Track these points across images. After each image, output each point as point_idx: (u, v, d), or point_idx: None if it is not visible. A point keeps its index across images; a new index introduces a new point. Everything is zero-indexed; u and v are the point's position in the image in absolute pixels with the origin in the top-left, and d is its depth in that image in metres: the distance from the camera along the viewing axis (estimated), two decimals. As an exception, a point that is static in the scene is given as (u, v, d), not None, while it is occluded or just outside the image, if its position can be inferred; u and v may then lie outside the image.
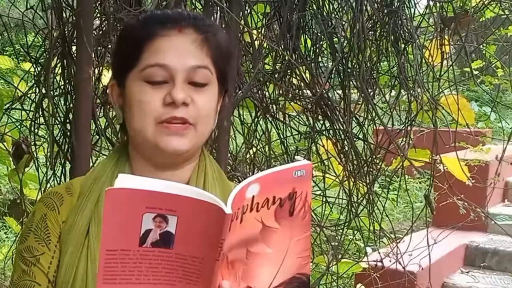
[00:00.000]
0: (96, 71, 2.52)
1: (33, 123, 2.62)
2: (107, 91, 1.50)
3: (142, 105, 1.35)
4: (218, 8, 2.54)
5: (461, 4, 3.18)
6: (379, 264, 3.54)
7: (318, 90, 2.91)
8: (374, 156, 3.18)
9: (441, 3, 3.08)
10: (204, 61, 1.37)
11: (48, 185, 2.65)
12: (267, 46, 2.89)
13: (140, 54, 1.36)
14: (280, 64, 2.98)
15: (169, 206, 1.09)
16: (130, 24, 1.54)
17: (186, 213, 1.10)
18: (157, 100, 1.34)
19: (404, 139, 3.19)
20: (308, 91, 3.10)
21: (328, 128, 3.15)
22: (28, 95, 2.69)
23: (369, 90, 3.07)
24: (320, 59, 3.09)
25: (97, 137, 2.59)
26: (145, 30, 1.38)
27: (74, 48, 2.37)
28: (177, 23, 1.37)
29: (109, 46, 2.54)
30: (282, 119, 3.17)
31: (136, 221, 1.09)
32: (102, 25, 2.56)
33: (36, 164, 2.73)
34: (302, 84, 3.07)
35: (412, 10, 3.11)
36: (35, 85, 2.61)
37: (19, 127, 2.79)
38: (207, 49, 1.37)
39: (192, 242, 1.12)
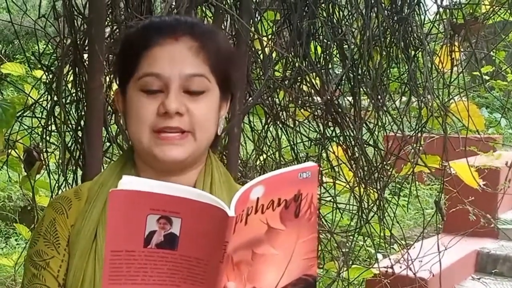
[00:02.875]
0: (108, 78, 2.54)
1: (44, 130, 2.63)
2: (114, 96, 1.51)
3: (138, 114, 1.36)
4: (228, 15, 2.55)
5: (471, 11, 3.18)
6: (390, 270, 3.53)
7: (328, 97, 2.91)
8: (384, 163, 3.17)
9: (451, 10, 3.08)
10: (200, 69, 1.37)
11: (60, 192, 2.66)
12: (277, 53, 2.89)
13: (137, 63, 1.37)
14: (290, 71, 2.98)
15: (173, 208, 1.10)
16: (129, 33, 1.54)
17: (190, 216, 1.10)
18: (152, 110, 1.35)
19: (415, 145, 3.18)
20: (318, 98, 3.10)
21: (338, 134, 3.15)
22: (40, 103, 2.70)
23: (379, 97, 3.06)
24: (330, 66, 3.09)
25: (109, 144, 2.60)
26: (143, 39, 1.38)
27: (85, 56, 2.38)
28: (174, 31, 1.37)
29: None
30: (292, 125, 3.18)
31: (140, 223, 1.10)
32: (114, 33, 2.58)
33: (48, 171, 2.74)
34: (312, 90, 3.07)
35: (422, 16, 3.10)
36: (46, 92, 2.62)
37: (30, 134, 2.80)
38: (204, 56, 1.37)
39: (196, 244, 1.12)
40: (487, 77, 3.80)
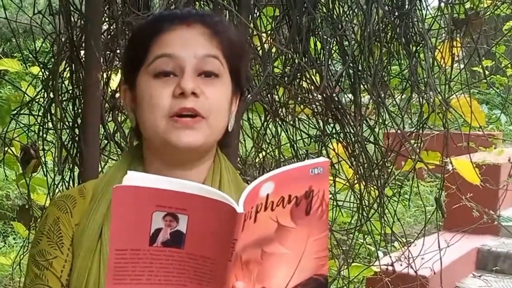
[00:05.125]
0: (105, 75, 2.51)
1: (41, 128, 2.61)
2: (120, 96, 1.47)
3: (152, 100, 1.32)
4: (227, 11, 2.52)
5: (472, 6, 3.16)
6: (390, 268, 3.51)
7: (328, 93, 2.89)
8: (385, 159, 3.15)
9: (452, 5, 3.06)
10: (214, 51, 1.34)
11: (57, 190, 2.64)
12: (277, 49, 2.87)
13: (148, 49, 1.34)
14: (289, 67, 2.96)
15: (179, 205, 1.06)
16: (139, 24, 1.52)
17: (197, 212, 1.07)
18: (167, 93, 1.31)
19: (415, 142, 3.16)
20: (318, 94, 3.08)
21: (338, 131, 3.12)
22: (36, 100, 2.68)
23: (380, 93, 3.04)
24: (330, 62, 3.06)
25: (106, 141, 2.58)
26: (153, 27, 1.36)
27: (82, 52, 2.35)
28: (185, 19, 1.35)
29: (118, 50, 2.52)
30: (291, 122, 3.15)
31: (145, 220, 1.06)
32: (111, 29, 2.55)
33: (45, 169, 2.72)
34: (312, 87, 3.05)
35: (424, 12, 3.08)
36: (43, 90, 2.60)
37: (27, 132, 2.78)
38: (216, 42, 1.35)
39: (203, 242, 1.09)
40: (487, 72, 3.78)
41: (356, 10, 2.96)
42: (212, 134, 1.35)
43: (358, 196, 3.16)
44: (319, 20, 2.93)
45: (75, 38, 2.42)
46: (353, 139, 3.09)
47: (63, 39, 2.44)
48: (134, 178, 1.06)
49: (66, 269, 1.37)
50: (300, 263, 1.18)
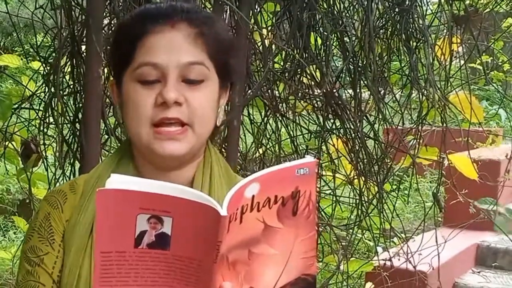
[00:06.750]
0: (106, 70, 2.51)
1: (42, 122, 2.61)
2: (109, 90, 1.47)
3: (135, 107, 1.32)
4: (228, 7, 2.53)
5: (472, 3, 3.16)
6: (389, 263, 3.52)
7: (328, 89, 2.89)
8: (384, 155, 3.16)
9: (452, 1, 3.06)
10: (199, 57, 1.33)
11: (57, 185, 2.64)
12: (277, 45, 2.87)
13: (133, 52, 1.33)
14: (290, 63, 2.97)
15: (163, 207, 1.07)
16: (123, 21, 1.49)
17: (181, 215, 1.07)
18: (150, 102, 1.31)
19: (414, 137, 3.17)
20: (318, 90, 3.09)
21: (338, 127, 3.13)
22: (37, 95, 2.69)
23: (380, 89, 3.05)
24: (330, 58, 3.07)
25: (107, 136, 2.58)
26: (138, 27, 1.34)
27: (83, 47, 2.36)
28: (170, 18, 1.33)
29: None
30: (292, 118, 3.16)
31: (130, 222, 1.07)
32: (112, 24, 2.56)
33: (46, 164, 2.72)
34: (312, 83, 3.05)
35: (424, 8, 3.09)
36: (44, 84, 2.60)
37: (27, 126, 2.78)
38: (202, 44, 1.33)
39: (188, 243, 1.09)
40: (486, 68, 3.79)
41: (356, 6, 2.97)
42: (199, 139, 1.35)
43: (358, 191, 3.17)
44: (320, 16, 2.94)
45: (76, 33, 2.42)
46: (353, 134, 3.10)
47: (64, 34, 2.45)
48: (117, 181, 1.07)
49: (58, 265, 1.37)
50: (288, 263, 1.19)
